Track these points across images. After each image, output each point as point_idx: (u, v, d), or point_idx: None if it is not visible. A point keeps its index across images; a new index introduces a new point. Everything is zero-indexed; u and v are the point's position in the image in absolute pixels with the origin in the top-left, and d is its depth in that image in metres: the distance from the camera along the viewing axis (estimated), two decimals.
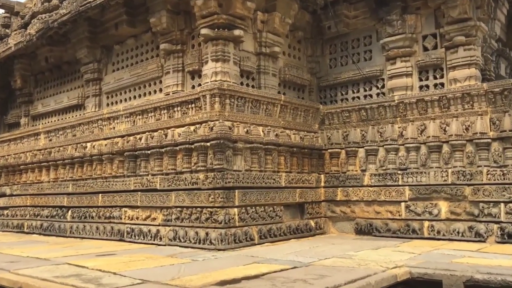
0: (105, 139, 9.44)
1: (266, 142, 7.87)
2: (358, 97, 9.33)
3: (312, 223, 8.66)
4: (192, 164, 7.59)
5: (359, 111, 8.98)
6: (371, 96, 9.19)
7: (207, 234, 7.07)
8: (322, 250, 6.58)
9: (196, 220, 7.32)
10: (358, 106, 8.97)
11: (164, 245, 7.60)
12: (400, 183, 8.19)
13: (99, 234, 8.92)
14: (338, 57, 9.79)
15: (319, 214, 9.01)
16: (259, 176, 7.71)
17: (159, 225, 7.91)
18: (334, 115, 9.32)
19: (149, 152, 8.27)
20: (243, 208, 7.36)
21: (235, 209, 7.21)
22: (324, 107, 9.45)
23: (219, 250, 6.83)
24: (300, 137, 8.73)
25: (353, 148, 8.86)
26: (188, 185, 7.51)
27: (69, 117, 11.03)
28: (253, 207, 7.54)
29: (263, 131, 7.94)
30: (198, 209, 7.31)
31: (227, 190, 7.12)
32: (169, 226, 7.73)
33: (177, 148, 7.79)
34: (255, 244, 7.35)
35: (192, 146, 7.56)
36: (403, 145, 8.32)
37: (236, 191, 7.28)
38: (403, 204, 8.12)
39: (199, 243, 7.13)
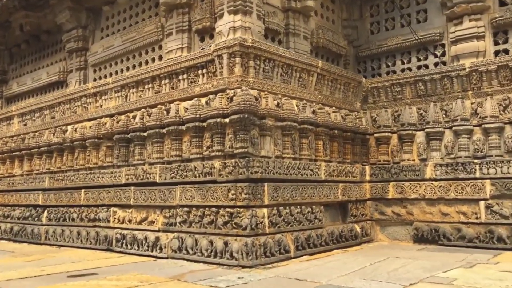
0: (90, 119, 7.44)
1: (302, 120, 5.88)
2: (409, 69, 7.33)
3: (357, 228, 6.68)
4: (204, 148, 5.60)
5: (415, 85, 7.01)
6: (426, 66, 7.19)
7: (226, 244, 5.08)
8: (392, 268, 4.59)
9: (210, 225, 5.33)
10: (414, 77, 7.00)
11: (166, 258, 5.61)
12: (477, 175, 6.21)
13: (81, 241, 6.92)
14: (381, 20, 7.79)
15: (364, 216, 7.03)
16: (293, 165, 5.72)
17: (158, 231, 5.92)
18: (381, 90, 7.34)
19: (145, 134, 6.28)
20: (275, 208, 5.38)
21: (265, 210, 5.22)
22: (367, 80, 7.47)
23: (243, 267, 4.84)
24: (341, 116, 6.75)
25: (409, 132, 6.87)
26: (199, 176, 5.51)
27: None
28: (287, 207, 5.55)
29: (297, 106, 5.95)
30: (213, 209, 5.32)
31: (253, 184, 5.14)
32: (172, 232, 5.74)
33: (183, 127, 5.80)
34: (290, 258, 5.37)
35: (204, 124, 5.57)
36: (479, 125, 6.33)
37: (266, 184, 5.29)
38: (482, 203, 6.14)
39: (215, 256, 5.14)
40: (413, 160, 6.83)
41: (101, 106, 7.35)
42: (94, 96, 7.47)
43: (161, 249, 5.73)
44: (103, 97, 7.34)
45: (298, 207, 5.70)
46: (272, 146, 5.56)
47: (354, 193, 6.79)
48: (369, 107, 7.47)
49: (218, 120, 5.36)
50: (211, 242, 5.22)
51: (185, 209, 5.61)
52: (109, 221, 6.61)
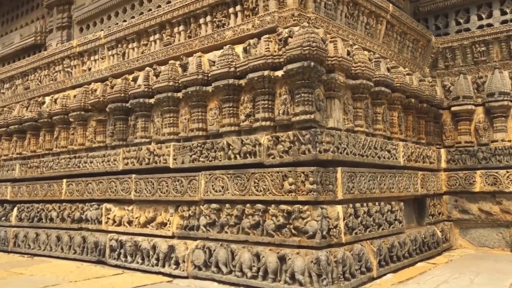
0: (74, 87, 5.61)
1: (377, 79, 4.13)
2: (490, 25, 5.60)
3: (438, 232, 4.95)
4: (242, 117, 3.83)
5: (507, 42, 5.29)
6: None
7: (282, 259, 3.31)
8: None
9: (255, 230, 3.56)
10: (506, 32, 5.28)
11: (185, 277, 3.84)
12: None
13: (62, 249, 5.10)
14: None
15: (441, 215, 5.31)
16: (369, 143, 3.96)
17: (173, 237, 4.14)
18: (457, 51, 5.61)
19: (152, 100, 4.49)
20: (350, 205, 3.62)
21: (339, 208, 3.46)
22: (437, 39, 5.74)
23: None
24: (418, 80, 5.01)
25: (502, 103, 5.15)
26: (235, 158, 3.74)
27: None
28: (365, 204, 3.80)
29: (369, 59, 4.20)
30: (259, 206, 3.54)
31: (322, 168, 3.37)
32: (194, 239, 3.96)
33: (209, 88, 4.02)
34: (373, 278, 3.62)
35: (242, 81, 3.81)
36: None
37: (339, 170, 3.53)
38: None
39: (264, 277, 3.38)
40: (509, 141, 5.12)
41: (90, 69, 5.52)
42: (81, 56, 5.64)
43: (177, 263, 3.94)
44: (92, 57, 5.51)
45: (377, 203, 3.95)
46: (341, 114, 3.79)
47: (431, 185, 5.07)
48: (439, 74, 5.74)
49: (266, 73, 3.58)
50: (257, 256, 3.45)
51: (214, 205, 3.83)
52: (100, 222, 4.81)
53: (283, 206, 3.41)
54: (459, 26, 5.85)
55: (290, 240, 3.36)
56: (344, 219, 3.46)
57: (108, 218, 4.73)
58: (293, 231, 3.37)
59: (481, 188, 5.15)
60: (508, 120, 5.17)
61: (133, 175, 4.53)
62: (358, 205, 3.68)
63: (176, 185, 4.11)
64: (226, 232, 3.74)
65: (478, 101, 5.38)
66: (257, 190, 3.56)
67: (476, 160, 5.21)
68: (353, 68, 3.85)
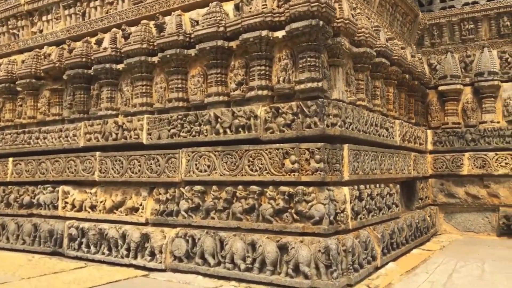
0: (22, 51, 4.84)
1: (378, 49, 3.73)
2: (476, 2, 5.37)
3: (427, 217, 4.69)
4: (233, 85, 3.31)
5: (496, 20, 5.08)
6: None
7: (282, 249, 2.86)
8: None
9: (248, 215, 3.08)
10: (496, 9, 5.06)
11: (163, 271, 3.30)
12: None
13: (8, 239, 4.38)
14: None
15: (428, 199, 5.07)
16: (371, 119, 3.57)
17: (146, 224, 3.58)
18: (444, 28, 5.35)
19: (120, 66, 3.86)
20: (355, 187, 3.21)
21: (345, 190, 3.05)
22: (425, 15, 5.44)
23: None
24: (411, 55, 4.69)
25: (491, 83, 4.94)
26: (225, 132, 3.22)
27: None
28: (368, 186, 3.41)
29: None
30: (254, 188, 3.06)
31: (329, 145, 2.93)
32: (173, 226, 3.43)
33: (192, 51, 3.47)
34: (377, 268, 3.26)
35: (233, 43, 3.28)
36: None
37: (346, 147, 3.11)
38: None
39: (261, 270, 2.92)
40: (498, 122, 4.93)
41: (41, 30, 4.76)
42: (30, 16, 4.86)
43: (152, 254, 3.39)
44: (44, 17, 4.75)
45: (378, 185, 3.58)
46: (344, 85, 3.37)
47: (421, 167, 4.80)
48: (424, 52, 5.47)
49: (263, 33, 3.07)
50: (252, 245, 2.98)
51: (198, 188, 3.30)
52: (56, 208, 4.14)
53: (283, 188, 2.95)
54: (444, 3, 5.57)
55: (292, 227, 2.91)
56: (350, 202, 3.06)
57: (66, 203, 4.07)
58: (295, 216, 2.92)
59: (469, 171, 4.94)
60: (497, 100, 4.97)
61: (97, 153, 3.90)
62: (362, 187, 3.29)
63: (151, 164, 3.54)
64: (212, 218, 3.24)
65: (466, 80, 5.15)
66: (251, 170, 3.08)
67: (464, 142, 4.99)
68: (357, 34, 3.42)
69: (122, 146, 3.77)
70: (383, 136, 3.77)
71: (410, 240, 4.00)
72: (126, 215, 3.68)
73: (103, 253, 3.67)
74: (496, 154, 4.81)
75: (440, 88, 5.20)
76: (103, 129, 3.87)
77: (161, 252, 3.35)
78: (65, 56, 4.21)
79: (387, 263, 3.41)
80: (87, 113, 4.13)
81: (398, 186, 4.01)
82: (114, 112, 3.92)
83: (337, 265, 2.72)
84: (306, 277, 2.75)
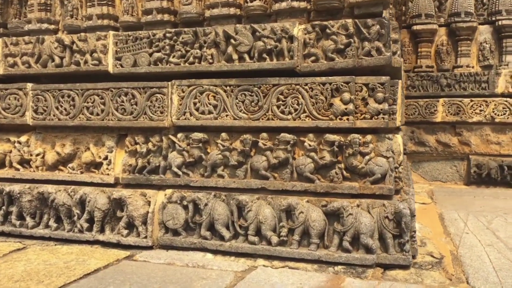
0: None
1: None
2: None
3: None
4: None
5: None
6: None
7: (332, 216, 2.18)
8: None
9: (279, 171, 2.32)
10: None
11: (150, 248, 2.42)
12: None
13: None
14: None
15: None
16: None
17: (115, 184, 2.60)
18: None
19: None
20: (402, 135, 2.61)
21: (399, 139, 2.41)
22: None
23: (389, 267, 2.08)
24: None
25: (469, 24, 4.64)
26: (241, 59, 2.35)
27: None
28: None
29: None
30: (286, 136, 2.28)
31: (392, 81, 2.23)
32: (159, 188, 2.52)
33: None
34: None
35: None
36: None
37: (399, 83, 2.43)
38: None
39: (300, 243, 2.21)
40: (472, 67, 4.69)
41: None
42: None
43: (131, 227, 2.46)
44: None
45: None
46: None
47: None
48: None
49: None
50: (287, 211, 2.23)
51: (197, 135, 2.41)
52: None
53: (331, 137, 2.22)
54: None
55: (343, 187, 2.22)
56: (403, 154, 2.45)
57: None
58: (345, 173, 2.23)
59: (443, 118, 4.68)
60: (473, 44, 4.71)
61: (29, 85, 2.71)
62: None
63: (123, 102, 2.51)
64: (221, 177, 2.39)
65: (440, 21, 4.79)
66: (282, 113, 2.27)
67: (439, 87, 4.69)
68: None
69: (71, 76, 2.64)
70: None
71: None
72: (82, 173, 2.63)
73: (48, 227, 2.61)
74: (472, 101, 4.59)
75: (414, 27, 4.77)
76: (37, 51, 2.67)
77: (144, 223, 2.44)
78: None
79: None
80: (3, 27, 2.85)
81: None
82: (52, 27, 2.73)
83: (406, 235, 2.13)
84: (369, 251, 2.12)
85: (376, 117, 2.18)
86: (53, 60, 2.64)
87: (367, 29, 2.17)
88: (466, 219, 3.10)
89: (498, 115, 4.51)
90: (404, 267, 2.13)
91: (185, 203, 2.39)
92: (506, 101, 4.50)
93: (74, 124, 2.60)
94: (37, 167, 2.71)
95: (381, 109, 2.17)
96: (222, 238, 2.32)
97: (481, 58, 4.65)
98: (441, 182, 4.81)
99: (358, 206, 2.17)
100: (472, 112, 4.58)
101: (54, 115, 2.64)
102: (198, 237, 2.37)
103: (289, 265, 2.19)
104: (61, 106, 2.62)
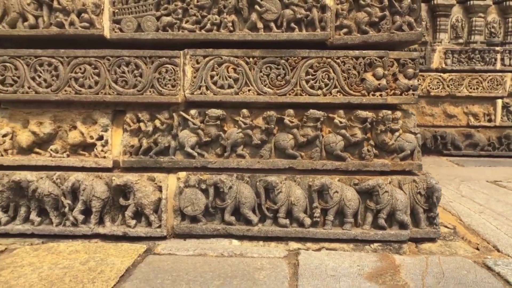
0: None
1: None
2: None
3: None
4: None
5: None
6: None
7: (364, 194, 2.16)
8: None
9: (304, 150, 2.20)
10: None
11: (164, 238, 2.18)
12: (498, 67, 4.91)
13: None
14: None
15: None
16: None
17: (114, 168, 2.25)
18: None
19: None
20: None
21: (414, 117, 2.44)
22: None
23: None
24: None
25: None
26: (266, 28, 2.16)
27: None
28: None
29: None
30: (315, 112, 2.17)
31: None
32: (168, 170, 2.23)
33: None
34: None
35: None
36: (497, 3, 4.95)
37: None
38: (499, 102, 4.95)
39: (333, 223, 2.16)
40: None
41: None
42: None
43: (138, 216, 2.17)
44: None
45: None
46: None
47: None
48: None
49: None
50: (319, 191, 2.15)
51: (215, 112, 2.18)
52: None
53: (362, 113, 2.16)
54: None
55: (375, 164, 2.19)
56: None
57: None
58: (374, 150, 2.20)
59: None
60: None
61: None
62: None
63: (124, 72, 2.15)
64: (242, 157, 2.21)
65: None
66: (312, 88, 2.15)
67: None
68: None
69: (50, 40, 2.18)
70: None
71: None
72: (69, 156, 2.23)
73: (29, 221, 2.19)
74: None
75: None
76: (6, 6, 2.15)
77: (156, 211, 2.16)
78: None
79: None
80: None
81: None
82: None
83: (437, 208, 2.19)
84: (404, 226, 2.14)
85: (406, 93, 2.17)
86: (25, 20, 2.15)
87: (399, 3, 2.13)
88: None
89: (433, 88, 4.86)
90: (432, 240, 2.20)
91: (203, 186, 2.16)
92: (440, 75, 4.87)
93: (57, 99, 2.17)
94: (5, 150, 2.23)
95: (411, 85, 2.16)
96: (248, 222, 2.16)
97: None
98: None
99: (390, 183, 2.17)
100: None
101: (29, 87, 2.17)
102: (220, 222, 2.18)
103: (325, 246, 2.13)
104: (39, 77, 2.16)
